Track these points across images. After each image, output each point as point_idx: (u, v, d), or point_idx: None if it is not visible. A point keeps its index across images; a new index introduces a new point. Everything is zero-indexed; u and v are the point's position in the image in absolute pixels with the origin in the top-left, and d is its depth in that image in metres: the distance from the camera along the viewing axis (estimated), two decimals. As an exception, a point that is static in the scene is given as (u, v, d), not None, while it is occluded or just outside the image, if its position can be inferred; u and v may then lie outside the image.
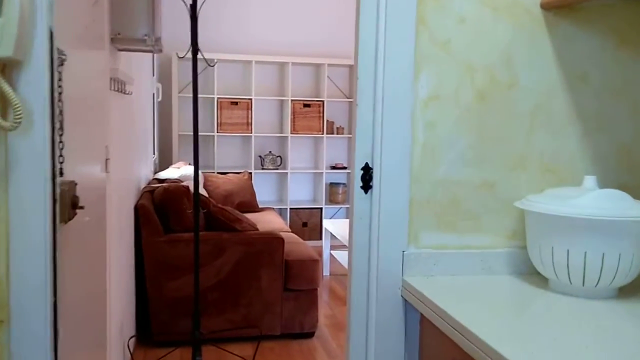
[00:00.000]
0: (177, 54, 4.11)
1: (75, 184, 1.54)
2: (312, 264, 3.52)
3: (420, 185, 1.29)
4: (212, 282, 3.36)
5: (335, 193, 6.22)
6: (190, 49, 2.82)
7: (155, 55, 5.24)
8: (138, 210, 3.31)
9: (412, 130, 1.27)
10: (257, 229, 3.51)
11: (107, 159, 2.28)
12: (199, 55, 2.80)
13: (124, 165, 2.87)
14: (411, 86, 1.27)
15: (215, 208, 3.45)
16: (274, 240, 3.43)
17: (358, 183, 1.27)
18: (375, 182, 1.26)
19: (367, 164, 1.26)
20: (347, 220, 4.99)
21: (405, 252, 1.28)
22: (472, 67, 1.31)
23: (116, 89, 2.52)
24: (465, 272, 1.31)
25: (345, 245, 4.74)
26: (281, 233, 4.31)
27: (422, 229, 1.29)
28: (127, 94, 2.80)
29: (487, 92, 1.32)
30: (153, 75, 5.12)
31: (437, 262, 1.30)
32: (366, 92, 1.29)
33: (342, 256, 4.73)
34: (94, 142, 2.06)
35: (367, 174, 1.26)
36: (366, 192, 1.27)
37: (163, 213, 3.39)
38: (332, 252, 4.91)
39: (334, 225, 4.75)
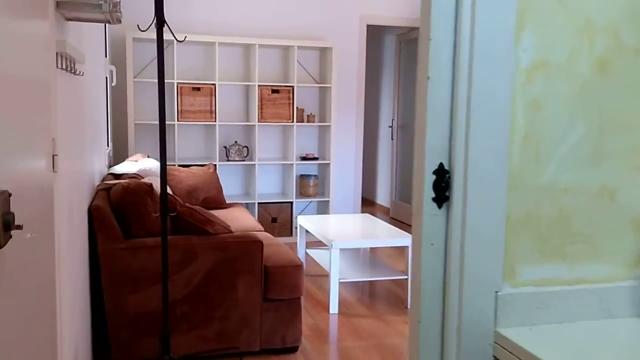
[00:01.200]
0: (138, 26, 3.54)
1: (9, 195, 1.09)
2: (294, 270, 3.11)
3: (519, 196, 0.91)
4: (181, 294, 2.91)
5: (306, 186, 5.81)
6: (155, 21, 2.34)
7: (107, 33, 4.68)
8: (92, 212, 2.82)
9: (511, 114, 0.88)
10: (231, 231, 3.07)
11: (54, 155, 1.81)
12: (166, 30, 2.33)
13: (74, 159, 2.38)
14: (509, 49, 0.88)
15: (183, 208, 2.99)
16: (251, 244, 3.00)
17: (428, 193, 0.88)
18: (455, 191, 0.87)
19: (441, 165, 0.87)
20: (323, 215, 4.59)
21: (499, 293, 0.90)
22: (591, 23, 0.92)
23: (64, 67, 2.03)
24: (579, 317, 0.94)
25: (322, 242, 4.32)
26: (255, 233, 3.88)
27: (521, 258, 0.91)
28: (78, 74, 2.31)
29: (609, 59, 0.94)
30: (106, 56, 4.57)
31: (541, 304, 0.92)
32: (442, 59, 0.89)
33: (319, 255, 4.34)
34: (36, 134, 1.59)
35: (441, 179, 0.87)
36: (440, 206, 0.88)
37: (122, 215, 2.90)
38: (307, 251, 4.50)
39: (309, 222, 4.34)
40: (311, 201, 5.97)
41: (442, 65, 0.90)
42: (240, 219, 4.30)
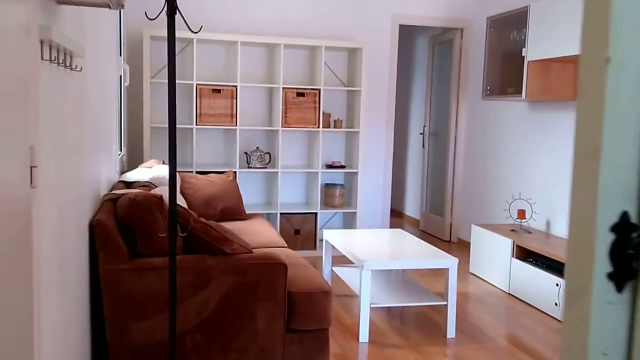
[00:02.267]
0: (145, 13, 3.09)
1: None
2: (322, 297, 2.73)
3: None
4: (192, 322, 2.54)
5: (331, 196, 5.43)
6: (166, 7, 1.99)
7: (122, 29, 4.36)
8: (93, 227, 2.47)
9: None
10: (251, 251, 2.70)
11: (32, 167, 1.45)
12: (179, 19, 1.96)
13: (69, 168, 2.03)
14: None
15: (198, 224, 2.63)
16: (274, 266, 2.62)
17: (599, 264, 0.49)
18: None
19: (625, 216, 0.49)
20: (351, 230, 4.20)
21: None
22: None
23: (53, 59, 1.68)
24: None
25: (349, 260, 3.92)
26: (277, 249, 3.50)
27: None
28: (75, 69, 1.96)
29: None
30: (120, 54, 4.25)
31: None
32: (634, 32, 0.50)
33: (346, 274, 3.95)
34: (6, 142, 1.24)
35: (625, 241, 0.49)
36: (621, 288, 0.50)
37: (129, 231, 2.55)
38: (334, 268, 4.12)
39: (336, 237, 3.96)
40: (336, 212, 5.59)
41: (633, 42, 0.51)
42: (261, 233, 3.94)
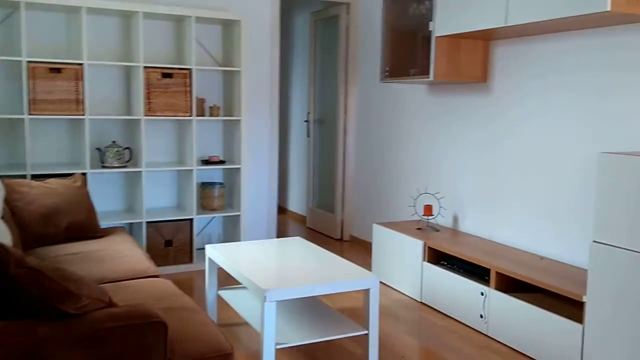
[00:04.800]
0: None
1: None
2: None
3: None
4: None
5: (209, 197, 4.55)
6: None
7: None
8: None
9: None
10: (110, 304, 1.80)
11: None
12: None
13: None
14: None
15: (22, 270, 1.68)
16: (147, 328, 1.75)
17: None
18: None
19: None
20: (242, 244, 3.39)
21: None
22: None
23: None
24: None
25: (238, 283, 3.09)
26: (146, 281, 2.62)
27: None
28: None
29: None
30: None
31: None
32: None
33: (233, 297, 3.16)
34: None
35: None
36: None
37: None
38: (220, 293, 3.29)
39: (222, 253, 3.14)
40: (214, 216, 4.72)
41: None
42: (122, 256, 3.00)
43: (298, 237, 3.54)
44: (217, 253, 3.17)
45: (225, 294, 3.26)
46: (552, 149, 3.41)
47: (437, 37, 3.73)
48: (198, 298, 3.80)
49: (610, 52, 3.04)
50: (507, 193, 3.73)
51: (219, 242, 4.88)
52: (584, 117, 3.20)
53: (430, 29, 3.78)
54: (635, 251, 2.44)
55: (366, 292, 2.79)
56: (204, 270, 4.39)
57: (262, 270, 2.83)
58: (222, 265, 3.07)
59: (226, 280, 4.06)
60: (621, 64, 2.98)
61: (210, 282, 3.33)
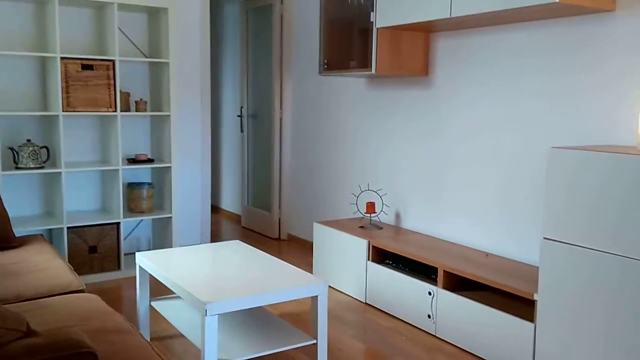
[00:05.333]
0: None
1: None
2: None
3: None
4: None
5: (137, 198, 4.23)
6: None
7: None
8: None
9: None
10: (30, 332, 1.53)
11: None
12: None
13: None
14: None
15: None
16: (75, 359, 1.50)
17: None
18: None
19: None
20: (175, 250, 3.13)
21: None
22: None
23: None
24: None
25: (173, 292, 2.83)
26: (71, 297, 2.34)
27: None
28: None
29: None
30: None
31: None
32: None
33: (168, 309, 2.91)
34: None
35: None
36: None
37: None
38: (153, 304, 3.02)
39: (154, 262, 2.87)
40: (142, 219, 4.39)
41: None
42: (41, 269, 2.68)
43: (236, 241, 3.32)
44: (148, 262, 2.90)
45: (159, 305, 2.99)
46: (497, 142, 3.35)
47: (378, 28, 3.60)
48: (128, 310, 3.50)
49: (559, 39, 3.00)
50: (450, 188, 3.67)
51: (149, 247, 4.57)
52: (532, 110, 3.16)
53: (371, 19, 3.64)
54: (587, 248, 2.39)
55: (313, 298, 2.61)
56: (133, 278, 4.08)
57: (200, 280, 2.59)
58: (155, 275, 2.81)
59: (157, 286, 3.78)
60: (568, 51, 2.95)
61: (141, 293, 3.05)
